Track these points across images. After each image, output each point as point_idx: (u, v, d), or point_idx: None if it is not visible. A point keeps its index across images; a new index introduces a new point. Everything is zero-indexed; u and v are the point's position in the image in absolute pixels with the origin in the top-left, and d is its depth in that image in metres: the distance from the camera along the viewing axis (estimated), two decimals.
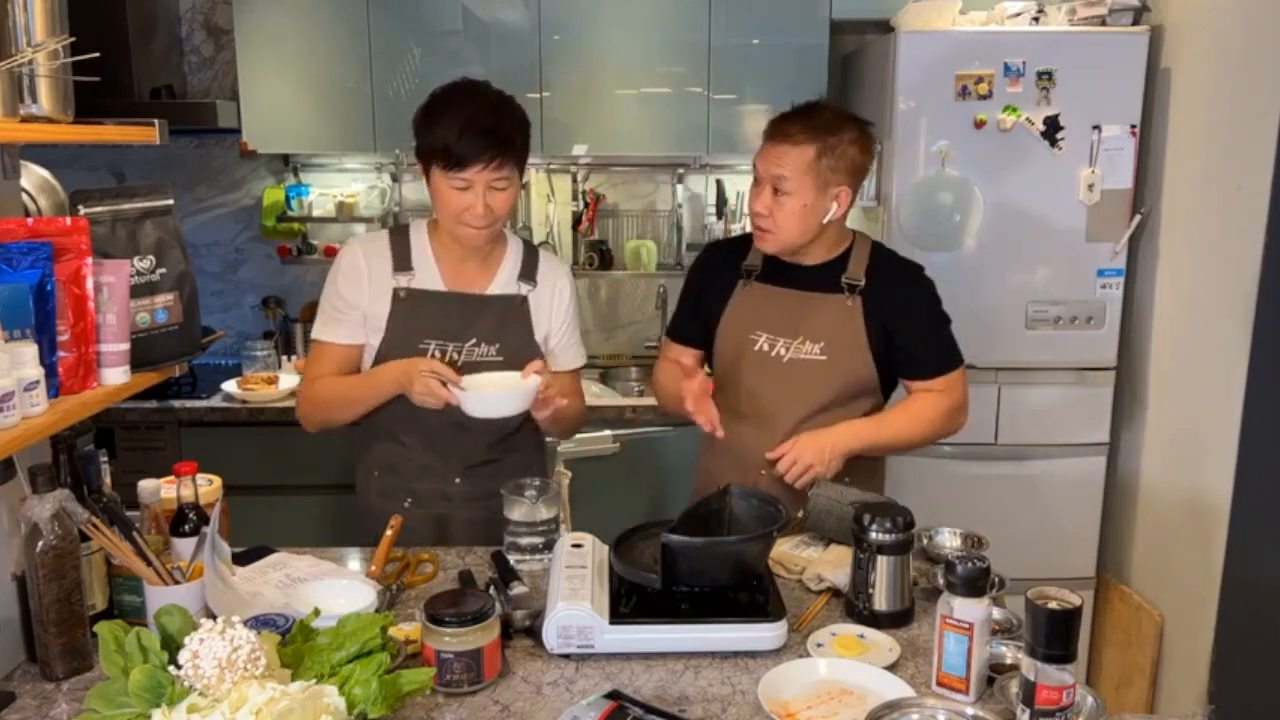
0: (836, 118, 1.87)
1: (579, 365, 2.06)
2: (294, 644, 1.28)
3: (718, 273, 2.00)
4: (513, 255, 1.97)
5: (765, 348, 1.93)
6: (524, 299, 1.95)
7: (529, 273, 1.96)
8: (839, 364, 1.90)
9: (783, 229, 1.86)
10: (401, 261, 1.91)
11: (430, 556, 1.80)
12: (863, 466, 1.97)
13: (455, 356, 1.90)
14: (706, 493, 1.72)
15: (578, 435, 2.87)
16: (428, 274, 1.92)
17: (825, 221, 1.87)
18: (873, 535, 1.53)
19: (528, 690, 1.40)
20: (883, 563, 1.53)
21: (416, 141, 1.85)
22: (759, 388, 1.94)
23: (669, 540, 1.47)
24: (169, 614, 1.26)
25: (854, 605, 1.57)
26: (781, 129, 1.86)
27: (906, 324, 1.91)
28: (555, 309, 1.98)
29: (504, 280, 1.95)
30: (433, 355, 1.88)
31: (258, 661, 1.16)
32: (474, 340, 1.91)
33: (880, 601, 1.55)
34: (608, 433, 2.94)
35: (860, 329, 1.89)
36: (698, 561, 1.51)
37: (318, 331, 1.94)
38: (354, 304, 1.90)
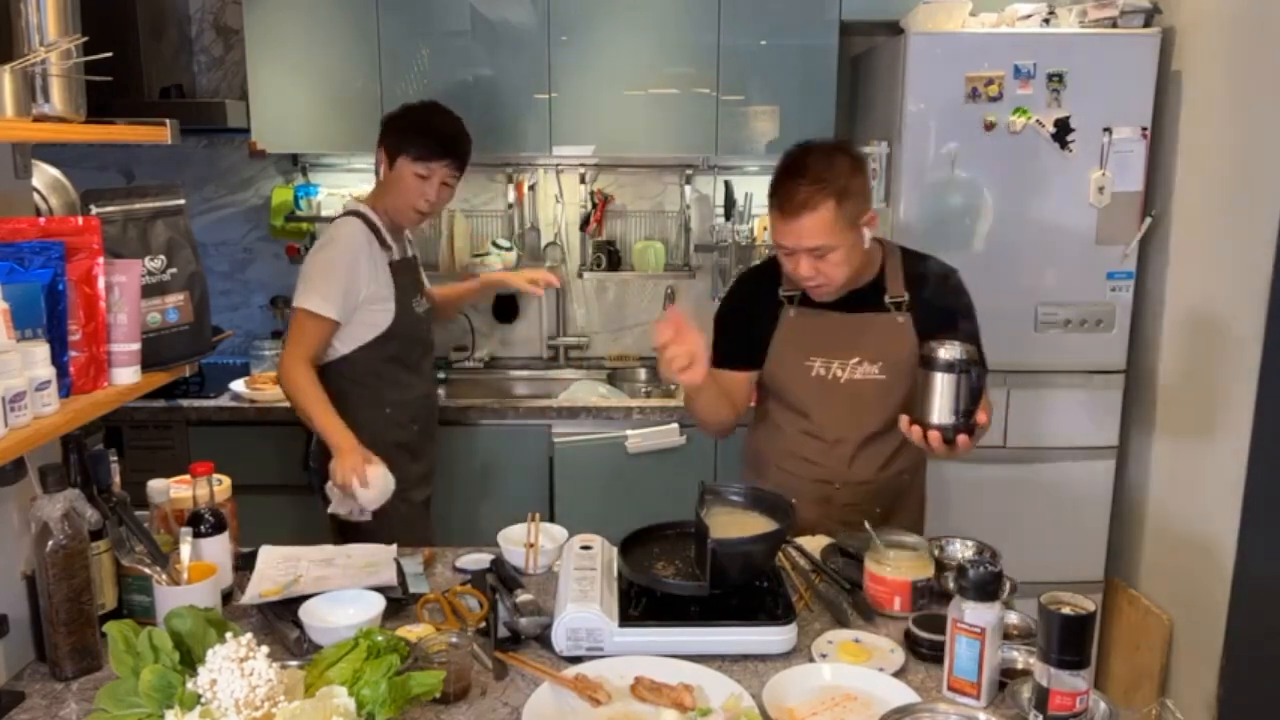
0: (829, 156, 1.81)
1: None
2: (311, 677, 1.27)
3: (758, 302, 1.98)
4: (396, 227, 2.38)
5: (822, 372, 1.92)
6: (415, 255, 2.46)
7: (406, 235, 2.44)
8: (898, 381, 1.89)
9: (836, 278, 1.84)
10: (382, 240, 2.28)
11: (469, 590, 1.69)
12: (907, 503, 2.07)
13: (420, 309, 2.38)
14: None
15: (645, 429, 2.93)
16: (393, 248, 2.31)
17: (866, 249, 1.87)
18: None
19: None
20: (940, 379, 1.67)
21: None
22: (819, 410, 1.95)
23: (717, 543, 1.48)
24: (180, 616, 1.26)
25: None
26: (791, 197, 1.77)
27: (940, 327, 1.89)
28: None
29: (405, 246, 2.40)
30: (418, 312, 2.35)
31: (276, 700, 1.16)
32: (419, 295, 2.40)
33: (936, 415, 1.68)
34: (675, 425, 2.94)
35: (914, 345, 1.88)
36: (744, 560, 1.54)
37: (320, 305, 2.15)
38: (361, 283, 2.20)
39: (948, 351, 1.68)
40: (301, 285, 2.19)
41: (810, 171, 1.77)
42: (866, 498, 1.96)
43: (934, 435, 1.69)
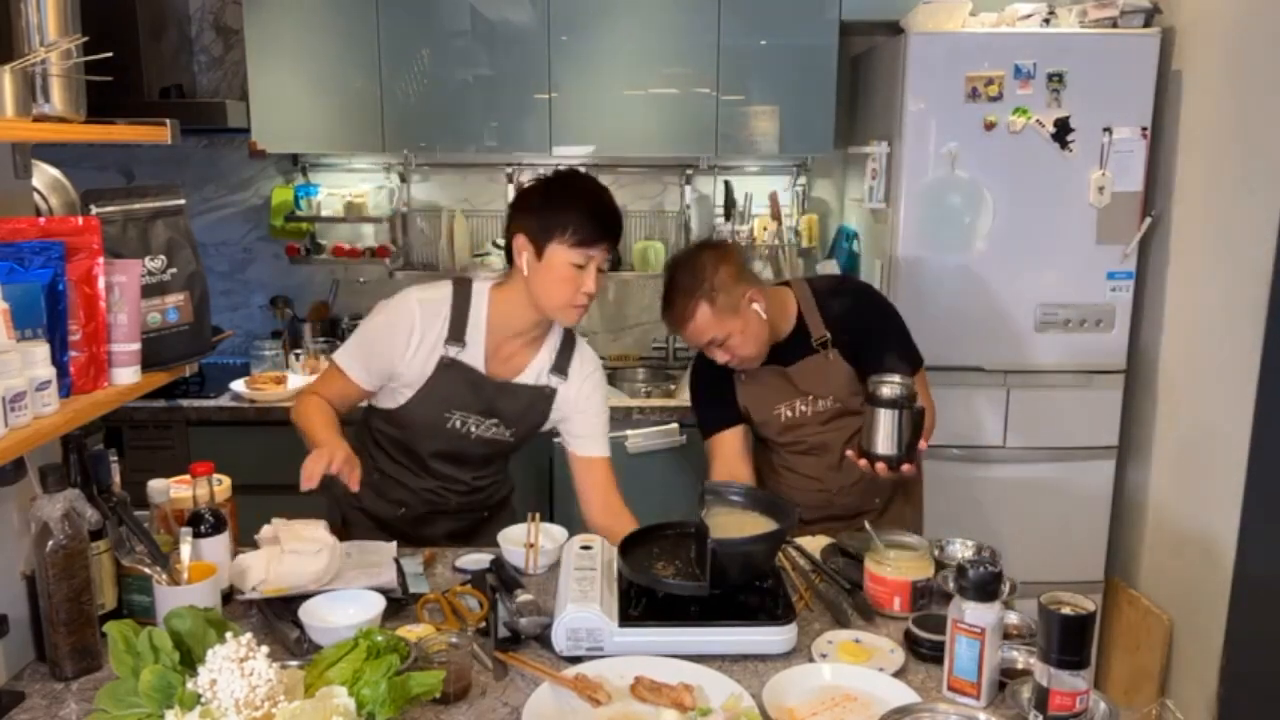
0: (690, 262, 2.02)
1: (607, 455, 2.03)
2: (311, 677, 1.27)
3: (715, 377, 2.17)
4: (549, 347, 1.99)
5: (789, 414, 2.13)
6: (553, 390, 1.99)
7: (562, 366, 1.99)
8: (851, 403, 2.09)
9: (749, 354, 2.05)
10: (456, 332, 1.90)
11: (468, 590, 1.69)
12: (904, 490, 2.21)
13: (472, 430, 1.96)
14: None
15: (645, 429, 2.95)
16: (475, 350, 1.92)
17: (765, 319, 2.03)
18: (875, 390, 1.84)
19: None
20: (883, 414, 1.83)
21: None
22: (804, 437, 2.16)
23: (718, 543, 1.49)
24: (180, 616, 1.26)
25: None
26: (675, 315, 2.02)
27: (869, 343, 2.08)
28: (579, 401, 2.00)
29: (536, 371, 1.98)
30: (452, 425, 1.94)
31: (276, 700, 1.15)
32: (495, 420, 1.97)
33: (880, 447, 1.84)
34: (675, 425, 2.94)
35: (849, 372, 2.09)
36: (744, 560, 1.55)
37: (344, 360, 1.94)
38: (391, 361, 1.91)
39: (890, 390, 1.83)
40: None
41: (678, 285, 2.01)
42: (863, 493, 2.15)
43: (880, 466, 1.86)
